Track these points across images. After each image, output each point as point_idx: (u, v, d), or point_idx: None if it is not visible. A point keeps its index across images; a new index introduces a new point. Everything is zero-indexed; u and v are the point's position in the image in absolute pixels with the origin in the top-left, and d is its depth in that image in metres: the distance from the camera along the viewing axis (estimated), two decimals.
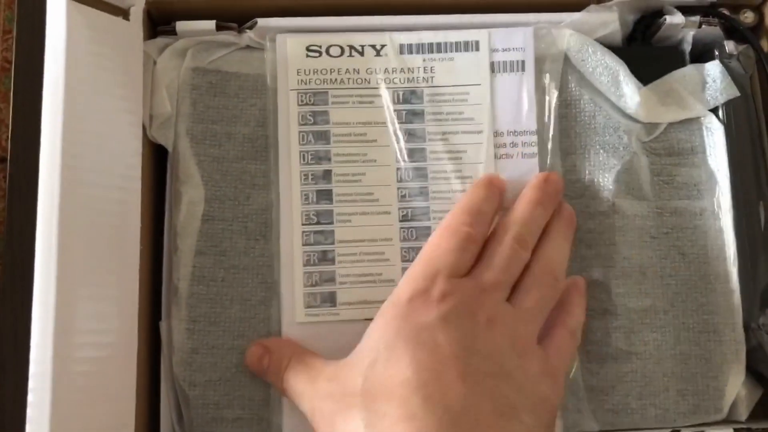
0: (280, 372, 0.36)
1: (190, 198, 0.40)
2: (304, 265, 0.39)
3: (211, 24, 0.41)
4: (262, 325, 0.39)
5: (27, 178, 0.43)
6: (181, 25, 0.41)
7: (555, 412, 0.34)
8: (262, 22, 0.41)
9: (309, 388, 0.35)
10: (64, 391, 0.34)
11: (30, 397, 0.33)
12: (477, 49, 0.41)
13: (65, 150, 0.35)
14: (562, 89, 0.41)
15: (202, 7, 0.41)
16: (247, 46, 0.42)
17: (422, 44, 0.41)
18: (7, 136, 0.43)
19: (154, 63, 0.41)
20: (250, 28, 0.41)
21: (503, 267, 0.35)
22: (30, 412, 0.33)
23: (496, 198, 0.38)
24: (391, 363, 0.32)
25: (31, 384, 0.33)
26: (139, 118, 0.39)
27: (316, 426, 0.34)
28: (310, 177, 0.40)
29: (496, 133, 0.40)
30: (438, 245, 0.36)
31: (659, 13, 0.43)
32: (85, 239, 0.36)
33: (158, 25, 0.42)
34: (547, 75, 0.41)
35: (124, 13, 0.40)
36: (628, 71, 0.41)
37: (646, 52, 0.43)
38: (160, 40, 0.41)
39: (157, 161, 0.42)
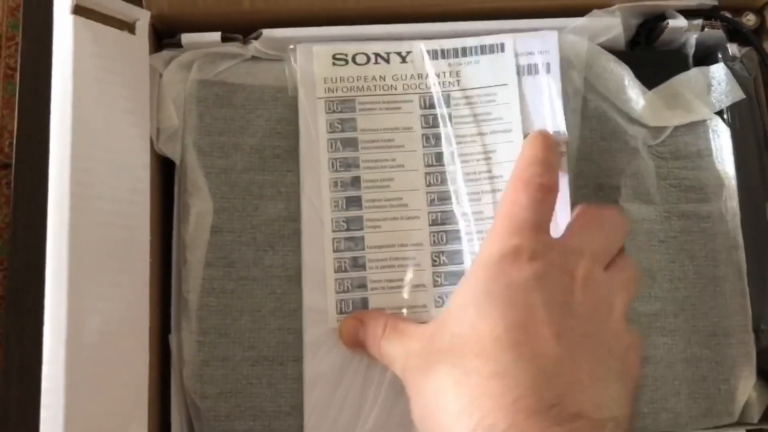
0: (377, 341, 0.36)
1: (199, 210, 0.40)
2: (335, 272, 0.39)
3: (216, 36, 0.41)
4: (272, 336, 0.39)
5: (33, 189, 0.43)
6: (187, 38, 0.41)
7: (636, 390, 0.34)
8: (267, 33, 0.41)
9: (401, 350, 0.35)
10: (77, 407, 0.34)
11: (43, 414, 0.33)
12: (502, 51, 0.41)
13: (74, 165, 0.35)
14: (568, 94, 0.42)
15: (207, 20, 0.41)
16: (253, 57, 0.42)
17: (447, 50, 0.41)
18: (10, 143, 0.44)
19: (161, 76, 0.41)
20: (256, 38, 0.41)
21: (605, 234, 0.35)
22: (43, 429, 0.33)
23: (555, 148, 0.37)
24: (481, 321, 0.31)
25: (44, 400, 0.34)
26: (146, 132, 0.39)
27: (406, 386, 0.34)
28: (339, 184, 0.40)
29: (526, 133, 0.40)
30: (516, 201, 0.35)
31: (662, 17, 0.43)
32: (95, 252, 0.36)
33: (164, 38, 0.42)
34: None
35: (130, 28, 0.40)
36: (632, 76, 0.41)
37: (649, 56, 0.43)
38: (166, 53, 0.42)
39: (165, 174, 0.42)
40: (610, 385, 0.31)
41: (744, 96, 0.42)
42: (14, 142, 0.43)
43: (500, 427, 0.28)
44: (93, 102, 0.37)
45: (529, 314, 0.31)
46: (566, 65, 0.41)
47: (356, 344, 0.38)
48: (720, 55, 0.42)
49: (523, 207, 0.34)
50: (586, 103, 0.42)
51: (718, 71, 0.42)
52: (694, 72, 0.42)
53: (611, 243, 0.35)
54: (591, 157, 0.41)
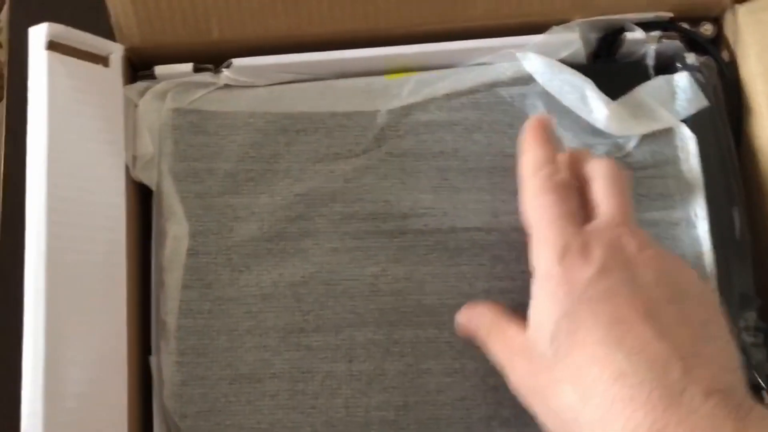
0: (485, 340, 0.37)
1: (175, 234, 0.41)
2: None
3: (188, 67, 0.43)
4: (249, 354, 0.40)
5: (15, 218, 0.44)
6: (160, 69, 0.43)
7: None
8: (237, 62, 0.43)
9: (509, 365, 0.35)
10: (56, 428, 0.35)
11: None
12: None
13: (50, 193, 0.37)
14: (532, 112, 0.43)
15: (178, 50, 0.43)
16: (225, 85, 0.44)
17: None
18: None
19: (136, 106, 0.43)
20: (227, 67, 0.43)
21: (625, 192, 0.36)
22: None
23: (552, 134, 0.38)
24: (576, 329, 0.31)
25: (24, 423, 0.35)
26: (121, 160, 0.41)
27: (519, 393, 0.35)
28: None
29: None
30: (543, 205, 0.35)
31: (621, 30, 0.44)
32: (72, 279, 0.37)
33: (138, 69, 0.44)
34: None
35: (104, 61, 0.41)
36: (594, 87, 0.42)
37: (610, 68, 0.44)
38: (141, 84, 0.43)
39: (143, 200, 0.43)
40: (715, 333, 0.31)
41: (708, 103, 0.43)
42: (1, 168, 0.45)
43: (644, 428, 0.28)
44: (68, 133, 0.38)
45: (615, 305, 0.31)
46: (525, 83, 0.42)
47: (468, 333, 0.39)
48: (679, 65, 0.43)
49: (551, 207, 0.35)
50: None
51: (682, 79, 0.43)
52: (658, 81, 0.43)
53: (630, 196, 0.36)
54: None
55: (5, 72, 0.48)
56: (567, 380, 0.31)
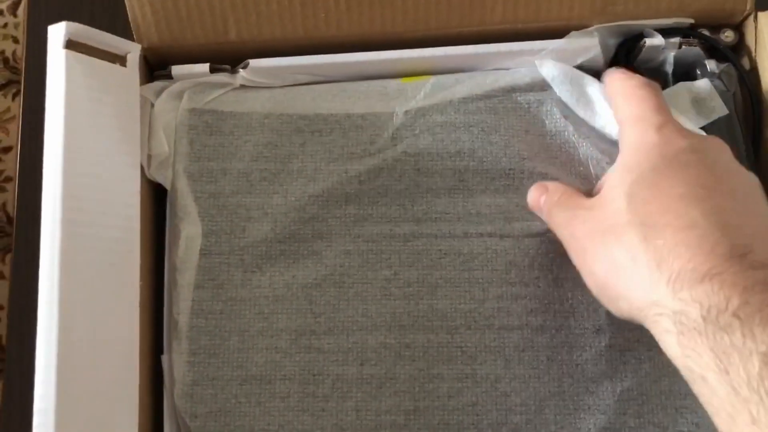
0: (551, 207, 0.38)
1: (188, 234, 0.41)
2: None
3: (205, 67, 0.43)
4: (260, 355, 0.40)
5: (34, 212, 0.44)
6: (177, 69, 0.43)
7: None
8: (254, 63, 0.43)
9: (568, 216, 0.37)
10: (67, 426, 0.35)
11: None
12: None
13: (66, 192, 0.37)
14: (548, 119, 0.42)
15: (196, 50, 0.43)
16: (242, 86, 0.44)
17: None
18: None
19: (152, 105, 0.43)
20: (243, 68, 0.43)
21: None
22: None
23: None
24: (661, 181, 0.34)
25: (36, 420, 0.35)
26: (137, 159, 0.41)
27: (572, 250, 0.37)
28: None
29: None
30: (642, 95, 0.37)
31: (640, 36, 0.44)
32: (86, 277, 0.37)
33: (155, 69, 0.44)
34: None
35: (122, 60, 0.41)
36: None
37: None
38: (157, 84, 0.43)
39: (157, 200, 0.43)
40: None
41: (728, 111, 0.42)
42: (17, 165, 0.45)
43: (701, 270, 0.30)
44: (85, 132, 0.39)
45: (705, 174, 0.33)
46: (542, 89, 0.42)
47: (538, 208, 0.40)
48: (699, 72, 0.43)
49: (651, 98, 0.37)
50: (565, 128, 0.42)
51: (703, 86, 0.42)
52: (679, 87, 0.43)
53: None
54: (567, 183, 0.41)
55: (23, 68, 0.49)
56: (636, 223, 0.33)
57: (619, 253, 0.33)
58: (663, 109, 0.36)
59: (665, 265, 0.31)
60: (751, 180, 0.35)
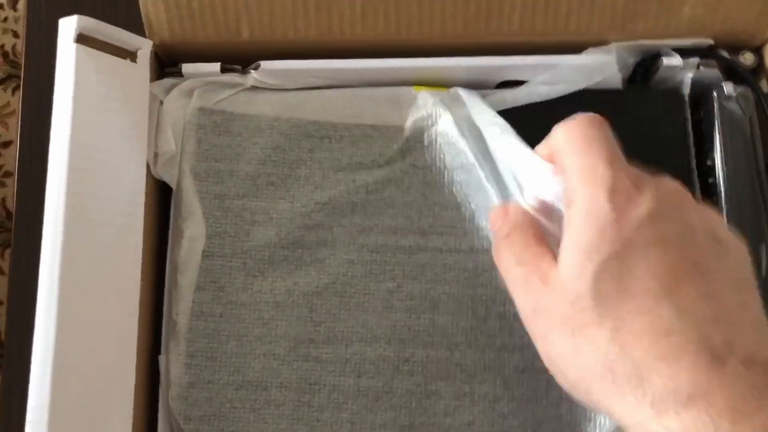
0: (499, 240, 0.33)
1: (192, 234, 0.41)
2: None
3: (215, 66, 0.42)
4: (258, 361, 0.39)
5: (34, 208, 0.44)
6: (187, 67, 0.43)
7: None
8: (265, 64, 0.42)
9: (521, 274, 0.32)
10: (61, 425, 0.35)
11: (28, 430, 0.34)
12: None
13: (70, 186, 0.37)
14: None
15: (208, 49, 0.43)
16: (252, 87, 0.43)
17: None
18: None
19: (161, 103, 0.42)
20: (254, 69, 0.42)
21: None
22: None
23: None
24: (624, 273, 0.29)
25: (29, 416, 0.34)
26: (143, 157, 0.40)
27: (528, 322, 0.32)
28: None
29: None
30: (591, 137, 0.31)
31: (658, 55, 0.43)
32: (86, 273, 0.37)
33: (166, 66, 0.44)
34: None
35: (132, 56, 0.41)
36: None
37: (644, 95, 0.43)
38: (167, 81, 0.43)
39: (163, 198, 0.43)
40: (751, 309, 0.29)
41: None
42: (17, 160, 0.45)
43: (684, 391, 0.27)
44: (92, 127, 0.38)
45: (667, 253, 0.29)
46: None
47: (493, 230, 0.35)
48: (715, 94, 0.42)
49: (601, 141, 0.31)
50: None
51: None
52: None
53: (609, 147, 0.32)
54: None
55: (23, 62, 0.48)
56: (609, 327, 0.29)
57: (594, 359, 0.29)
58: (613, 157, 0.30)
59: (647, 383, 0.28)
60: (726, 243, 0.31)
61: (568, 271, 0.30)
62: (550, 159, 0.33)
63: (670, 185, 0.31)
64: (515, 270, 0.32)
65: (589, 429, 0.38)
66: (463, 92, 0.42)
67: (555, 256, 0.31)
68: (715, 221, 0.31)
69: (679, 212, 0.30)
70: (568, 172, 0.31)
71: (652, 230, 0.29)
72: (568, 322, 0.30)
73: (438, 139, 0.42)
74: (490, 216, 0.35)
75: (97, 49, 0.39)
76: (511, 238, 0.33)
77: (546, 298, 0.31)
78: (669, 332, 0.28)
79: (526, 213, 0.34)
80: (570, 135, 0.32)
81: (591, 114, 0.32)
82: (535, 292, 0.31)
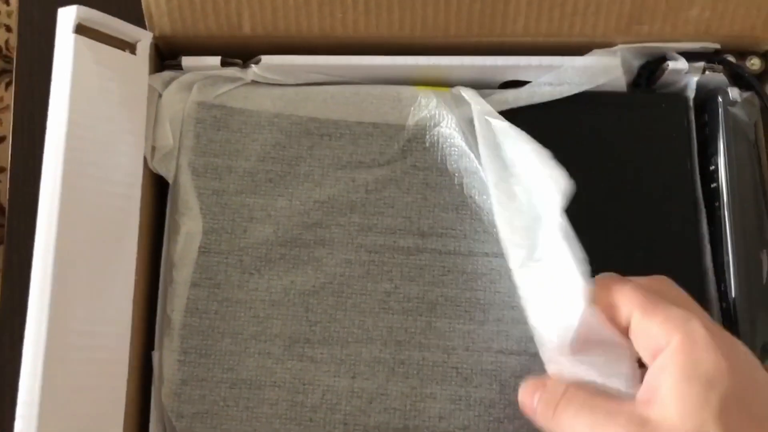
0: (551, 409, 0.32)
1: (188, 229, 0.40)
2: None
3: (216, 60, 0.42)
4: (252, 360, 0.39)
5: (27, 203, 0.44)
6: (187, 60, 0.42)
7: None
8: (266, 59, 0.42)
9: (596, 419, 0.30)
10: (51, 418, 0.34)
11: (17, 425, 0.34)
12: None
13: (65, 181, 0.36)
14: None
15: (209, 42, 0.42)
16: (253, 81, 0.43)
17: None
18: None
19: (160, 96, 0.42)
20: (255, 64, 0.42)
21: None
22: None
23: None
24: (749, 400, 0.29)
25: (19, 411, 0.34)
26: (140, 150, 0.40)
27: None
28: None
29: None
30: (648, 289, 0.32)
31: (663, 59, 0.42)
32: (81, 266, 0.36)
33: (166, 59, 0.43)
34: None
35: (132, 48, 0.41)
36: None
37: (649, 99, 0.43)
38: (167, 74, 0.42)
39: (160, 193, 0.42)
40: None
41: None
42: (9, 155, 0.45)
43: None
44: (89, 119, 0.38)
45: (742, 414, 0.29)
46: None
47: (531, 411, 0.34)
48: (720, 99, 0.42)
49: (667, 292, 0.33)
50: None
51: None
52: None
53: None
54: None
55: (15, 57, 0.48)
56: None
57: None
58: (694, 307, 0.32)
59: None
60: None
61: (684, 405, 0.29)
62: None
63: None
64: (588, 418, 0.30)
65: None
66: (465, 92, 0.42)
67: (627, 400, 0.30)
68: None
69: (749, 368, 0.30)
70: (653, 318, 0.31)
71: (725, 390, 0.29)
72: None
73: (440, 140, 0.41)
74: (521, 392, 0.35)
75: (96, 40, 0.39)
76: (568, 396, 0.31)
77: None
78: None
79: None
80: (625, 295, 0.32)
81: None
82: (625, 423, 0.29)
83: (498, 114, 0.40)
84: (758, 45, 0.43)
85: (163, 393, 0.39)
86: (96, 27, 0.39)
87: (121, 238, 0.39)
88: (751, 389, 0.29)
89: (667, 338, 0.30)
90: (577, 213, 0.36)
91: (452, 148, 0.41)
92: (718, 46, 0.42)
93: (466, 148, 0.41)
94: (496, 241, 0.40)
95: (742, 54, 0.43)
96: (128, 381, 0.38)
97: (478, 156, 0.40)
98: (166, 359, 0.39)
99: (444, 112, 0.41)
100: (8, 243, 0.44)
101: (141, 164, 0.40)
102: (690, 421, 0.28)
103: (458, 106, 0.42)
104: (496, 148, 0.40)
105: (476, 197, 0.41)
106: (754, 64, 0.43)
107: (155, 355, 0.40)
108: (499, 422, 0.38)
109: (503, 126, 0.39)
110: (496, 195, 0.38)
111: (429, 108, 0.42)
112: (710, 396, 0.28)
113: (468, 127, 0.41)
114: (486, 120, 0.40)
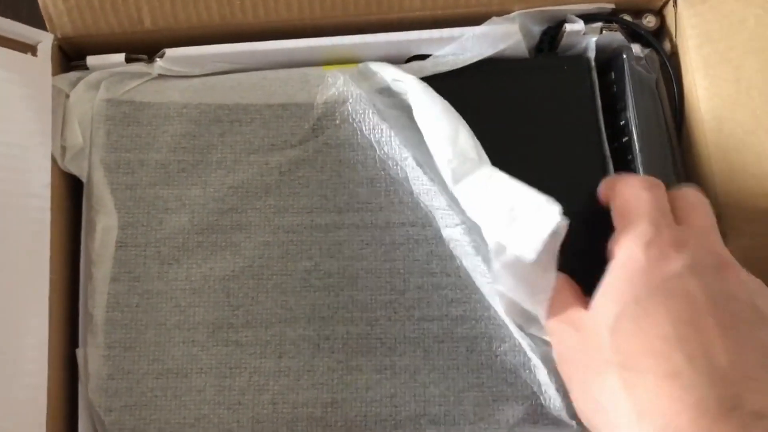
0: (548, 310, 0.35)
1: (104, 225, 0.40)
2: None
3: (120, 57, 0.42)
4: (177, 349, 0.39)
5: None
6: (92, 59, 0.42)
7: None
8: (170, 52, 0.42)
9: (558, 334, 0.35)
10: None
11: None
12: None
13: None
14: None
15: (112, 40, 0.42)
16: (159, 75, 0.43)
17: None
18: None
19: (67, 96, 0.42)
20: (160, 57, 0.42)
21: (710, 210, 0.34)
22: None
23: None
24: (644, 317, 0.30)
25: None
26: (48, 151, 0.40)
27: (560, 369, 0.35)
28: None
29: None
30: (639, 197, 0.34)
31: (563, 22, 0.43)
32: None
33: (72, 59, 0.43)
34: None
35: (32, 50, 0.41)
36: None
37: (552, 62, 0.43)
38: (73, 74, 0.42)
39: (74, 192, 0.42)
40: None
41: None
42: None
43: None
44: None
45: (692, 306, 0.30)
46: None
47: None
48: (625, 56, 0.43)
49: (648, 201, 0.33)
50: None
51: None
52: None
53: (711, 214, 0.35)
54: None
55: None
56: (617, 363, 0.30)
57: (600, 394, 0.31)
58: (659, 217, 0.33)
59: (647, 419, 0.28)
60: (756, 297, 0.31)
61: (594, 313, 0.32)
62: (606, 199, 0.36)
63: (717, 256, 0.32)
64: (552, 325, 0.35)
65: (509, 393, 0.38)
66: (374, 65, 0.42)
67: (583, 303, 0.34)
68: (759, 294, 0.31)
69: (715, 277, 0.31)
70: (616, 232, 0.34)
71: (680, 284, 0.30)
72: (587, 360, 0.32)
73: (350, 116, 0.42)
74: None
75: None
76: (554, 309, 0.35)
77: (574, 341, 0.33)
78: (676, 374, 0.28)
79: (562, 282, 0.35)
80: (621, 197, 0.35)
81: (646, 177, 0.36)
82: (566, 339, 0.34)
83: (410, 75, 0.41)
84: (652, 3, 0.44)
85: (89, 389, 0.39)
86: None
87: (33, 239, 0.38)
88: (655, 305, 0.30)
89: (614, 249, 0.33)
90: None
91: (363, 123, 0.42)
92: (613, 6, 0.43)
93: (376, 119, 0.41)
94: (412, 210, 0.41)
95: (638, 12, 0.44)
96: (54, 380, 0.38)
97: (390, 125, 0.41)
98: (91, 355, 0.39)
99: (352, 89, 0.42)
100: None
101: (49, 164, 0.40)
102: (594, 330, 0.32)
103: (366, 79, 0.42)
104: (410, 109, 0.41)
105: (390, 169, 0.41)
106: (650, 21, 0.44)
107: (79, 352, 0.40)
108: (425, 387, 0.38)
109: (413, 85, 0.40)
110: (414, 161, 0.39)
111: (337, 86, 0.42)
112: (610, 307, 0.32)
113: (377, 98, 0.42)
114: (398, 81, 0.41)
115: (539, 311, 0.35)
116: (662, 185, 0.35)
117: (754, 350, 0.29)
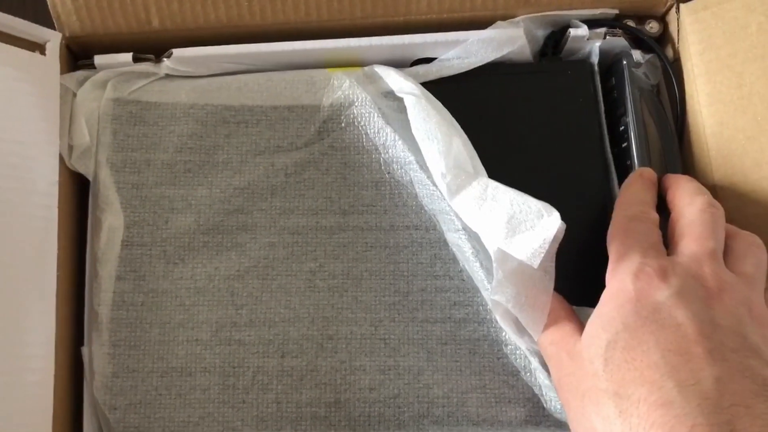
0: (544, 330, 0.36)
1: (110, 224, 0.41)
2: None
3: (128, 56, 0.42)
4: (181, 347, 0.39)
5: None
6: (100, 59, 0.42)
7: None
8: (177, 52, 0.42)
9: (555, 361, 0.35)
10: None
11: None
12: None
13: None
14: None
15: (120, 39, 0.42)
16: (166, 75, 0.43)
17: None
18: None
19: (74, 95, 0.42)
20: (167, 57, 0.42)
21: (710, 233, 0.34)
22: None
23: (652, 187, 0.38)
24: (635, 346, 0.31)
25: None
26: (56, 149, 0.40)
27: (558, 391, 0.35)
28: None
29: None
30: (629, 230, 0.35)
31: (567, 27, 0.44)
32: (1, 268, 0.36)
33: (79, 58, 0.43)
34: None
35: (41, 49, 0.41)
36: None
37: (555, 66, 0.44)
38: (80, 73, 0.43)
39: (82, 190, 0.42)
40: None
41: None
42: None
43: None
44: (1, 121, 0.38)
45: (680, 335, 0.31)
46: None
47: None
48: (625, 62, 0.43)
49: (637, 234, 0.35)
50: None
51: None
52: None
53: (720, 233, 0.35)
54: None
55: None
56: (611, 393, 0.31)
57: (596, 421, 0.31)
58: (648, 246, 0.34)
59: None
60: (745, 326, 0.31)
61: (587, 341, 0.33)
62: None
63: (706, 273, 0.33)
64: (549, 349, 0.36)
65: (511, 395, 0.39)
66: (379, 68, 0.43)
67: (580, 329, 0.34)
68: (749, 324, 0.32)
69: (703, 306, 0.32)
70: (609, 258, 0.35)
71: (668, 314, 0.31)
72: (583, 388, 0.32)
73: (356, 119, 0.42)
74: None
75: (4, 42, 0.39)
76: (550, 332, 0.36)
77: (570, 368, 0.34)
78: (668, 403, 0.29)
79: (557, 304, 0.36)
80: (615, 223, 0.36)
81: (633, 205, 0.36)
82: (563, 366, 0.34)
83: (411, 82, 0.41)
84: (655, 9, 0.44)
85: (94, 387, 0.39)
86: (2, 29, 0.39)
87: (41, 237, 0.39)
88: (645, 335, 0.31)
89: (607, 278, 0.34)
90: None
91: (368, 126, 0.42)
92: (617, 11, 0.44)
93: (381, 123, 0.41)
94: (416, 213, 0.41)
95: (641, 18, 0.44)
96: (59, 378, 0.38)
97: (395, 129, 0.41)
98: (96, 353, 0.39)
99: (357, 91, 0.42)
100: None
101: (57, 163, 0.40)
102: (586, 356, 0.33)
103: (371, 83, 0.43)
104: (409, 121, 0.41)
105: (395, 172, 0.42)
106: (653, 27, 0.44)
107: (84, 350, 0.40)
108: (428, 388, 0.39)
109: (409, 100, 0.40)
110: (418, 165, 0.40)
111: (342, 88, 0.42)
112: (601, 335, 0.32)
113: (383, 101, 0.42)
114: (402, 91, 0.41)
115: (535, 333, 0.35)
116: (649, 214, 0.36)
117: (743, 378, 0.29)
